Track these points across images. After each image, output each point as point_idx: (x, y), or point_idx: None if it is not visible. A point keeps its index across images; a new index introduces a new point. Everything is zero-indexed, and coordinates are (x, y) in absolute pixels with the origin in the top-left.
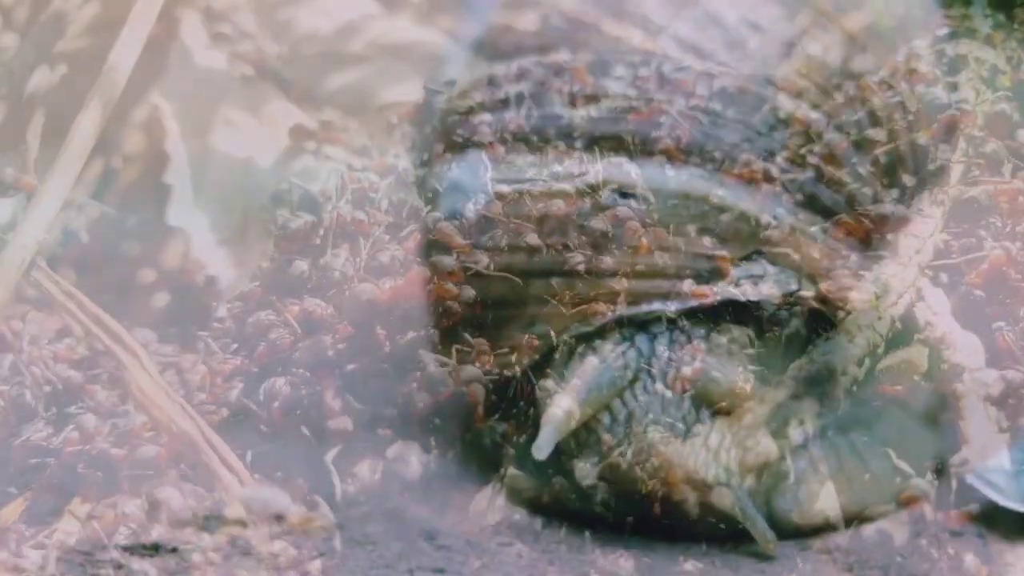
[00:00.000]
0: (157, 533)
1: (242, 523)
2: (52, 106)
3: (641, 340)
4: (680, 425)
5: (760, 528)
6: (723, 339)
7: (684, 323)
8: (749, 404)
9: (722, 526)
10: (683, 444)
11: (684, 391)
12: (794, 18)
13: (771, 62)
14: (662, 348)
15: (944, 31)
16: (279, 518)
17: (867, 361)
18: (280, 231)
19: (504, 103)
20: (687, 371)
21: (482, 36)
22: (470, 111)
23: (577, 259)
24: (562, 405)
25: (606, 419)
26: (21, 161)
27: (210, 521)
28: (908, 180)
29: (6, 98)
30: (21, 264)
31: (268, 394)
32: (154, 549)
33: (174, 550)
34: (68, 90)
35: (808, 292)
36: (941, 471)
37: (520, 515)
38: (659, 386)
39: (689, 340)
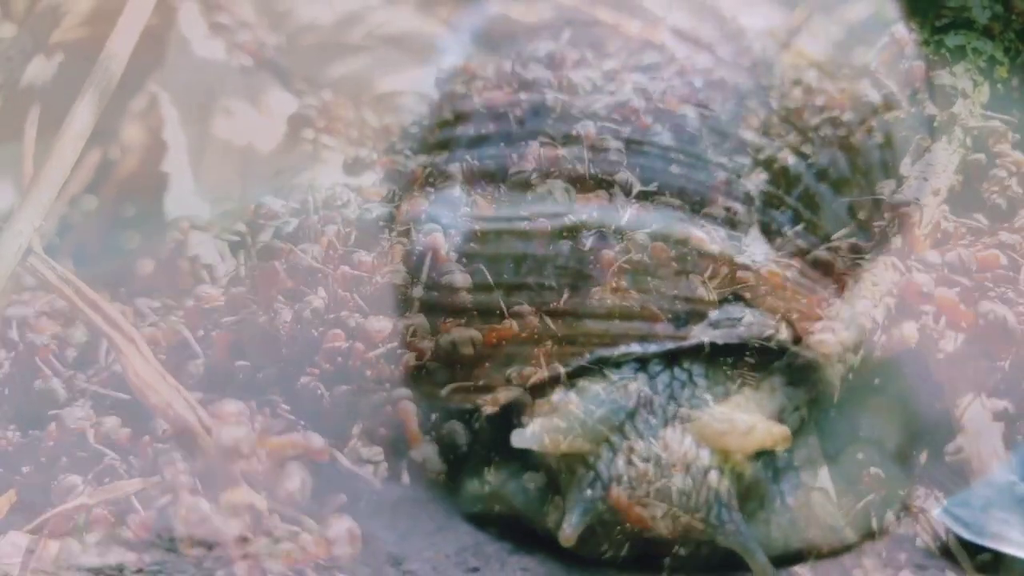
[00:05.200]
0: (122, 555)
1: (207, 545)
2: (49, 96)
3: (641, 378)
4: (680, 460)
5: (760, 561)
6: (721, 376)
7: (685, 362)
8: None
9: (714, 556)
10: (683, 480)
11: (684, 429)
12: (792, 9)
13: (769, 53)
14: (661, 386)
15: (942, 21)
16: (243, 540)
17: (862, 349)
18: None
19: (484, 140)
20: (686, 410)
21: (480, 26)
22: (448, 146)
23: (555, 299)
24: (553, 419)
25: (606, 453)
26: (18, 150)
27: (176, 543)
28: (884, 219)
29: (3, 88)
30: (17, 251)
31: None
32: (119, 571)
33: (139, 571)
34: (66, 80)
35: (785, 335)
36: (907, 507)
37: (487, 542)
38: (658, 422)
39: (690, 378)
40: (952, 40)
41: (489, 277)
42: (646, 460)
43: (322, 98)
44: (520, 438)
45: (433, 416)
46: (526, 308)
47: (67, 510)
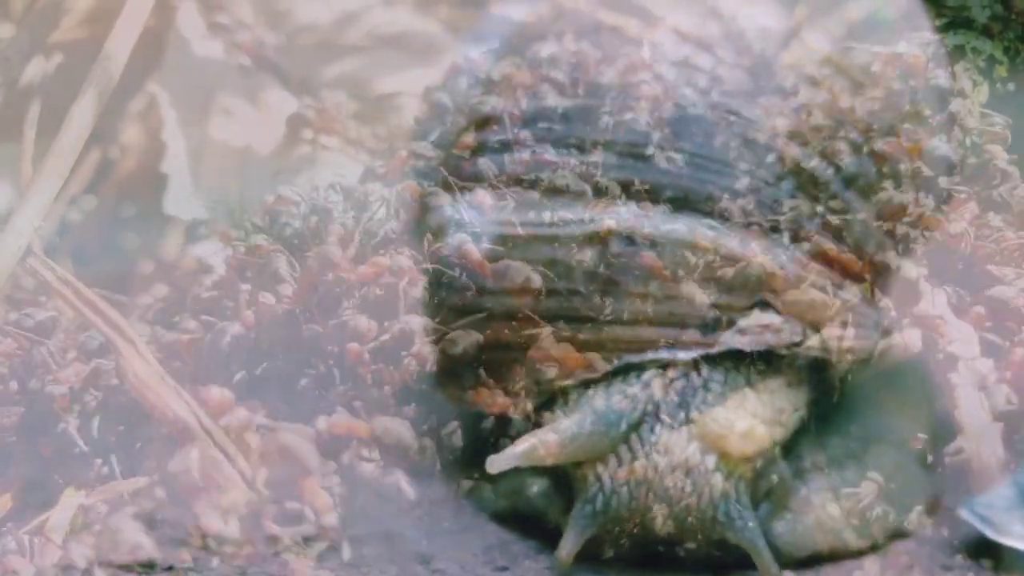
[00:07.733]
0: (153, 551)
1: (238, 543)
2: (48, 96)
3: (656, 382)
4: (682, 464)
5: (766, 560)
6: (740, 380)
7: (705, 368)
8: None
9: (719, 554)
10: (683, 482)
11: (689, 433)
12: (792, 8)
13: (769, 53)
14: (674, 392)
15: (941, 21)
16: (273, 539)
17: (866, 353)
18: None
19: (510, 144)
20: (694, 415)
21: (479, 26)
22: (474, 150)
23: (582, 305)
24: (535, 437)
25: (612, 462)
26: (17, 151)
27: (207, 540)
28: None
29: (2, 88)
30: (17, 251)
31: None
32: (149, 567)
33: (170, 568)
34: (64, 80)
35: (812, 342)
36: (932, 509)
37: (513, 540)
38: (664, 430)
39: (706, 385)
40: (951, 40)
41: (514, 281)
42: (647, 464)
43: (321, 98)
44: (493, 464)
45: (433, 417)
46: (537, 311)
47: (66, 509)
